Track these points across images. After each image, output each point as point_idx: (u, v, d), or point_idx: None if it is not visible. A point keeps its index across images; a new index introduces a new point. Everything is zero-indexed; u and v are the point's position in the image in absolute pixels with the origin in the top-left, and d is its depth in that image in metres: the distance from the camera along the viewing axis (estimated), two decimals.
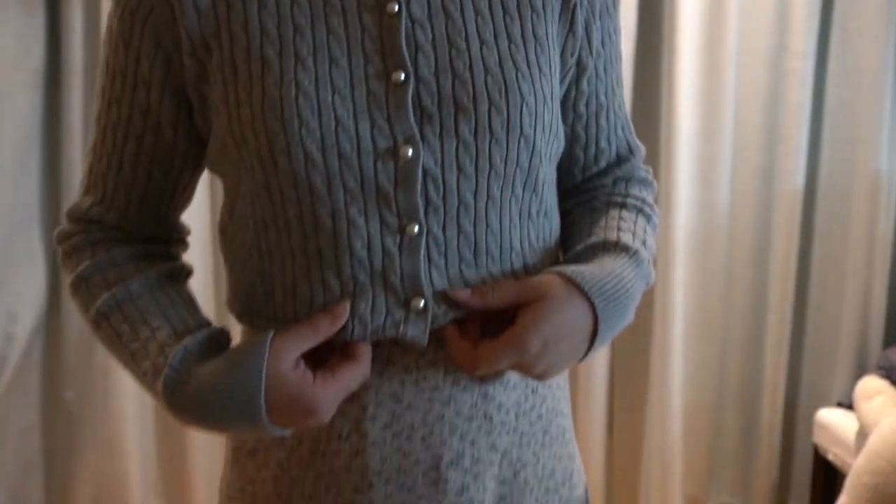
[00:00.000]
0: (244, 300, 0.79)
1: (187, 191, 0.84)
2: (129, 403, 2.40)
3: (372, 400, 0.72)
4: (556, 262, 0.82)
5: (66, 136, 2.31)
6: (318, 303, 0.72)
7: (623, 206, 0.84)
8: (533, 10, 0.75)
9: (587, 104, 0.82)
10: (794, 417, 2.48)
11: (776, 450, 2.44)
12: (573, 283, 0.73)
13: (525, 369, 0.75)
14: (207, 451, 2.46)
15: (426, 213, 0.72)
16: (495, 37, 0.73)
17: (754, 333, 2.43)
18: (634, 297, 0.77)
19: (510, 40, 0.73)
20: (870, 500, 1.74)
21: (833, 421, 2.19)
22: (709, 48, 2.27)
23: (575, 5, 0.77)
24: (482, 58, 0.72)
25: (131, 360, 0.77)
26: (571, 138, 0.83)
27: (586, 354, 0.76)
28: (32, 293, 2.36)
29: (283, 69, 0.69)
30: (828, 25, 2.30)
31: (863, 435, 1.95)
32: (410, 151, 0.70)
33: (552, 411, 0.83)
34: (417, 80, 0.71)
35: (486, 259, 0.74)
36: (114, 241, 0.79)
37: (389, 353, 0.73)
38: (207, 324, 0.77)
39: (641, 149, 0.91)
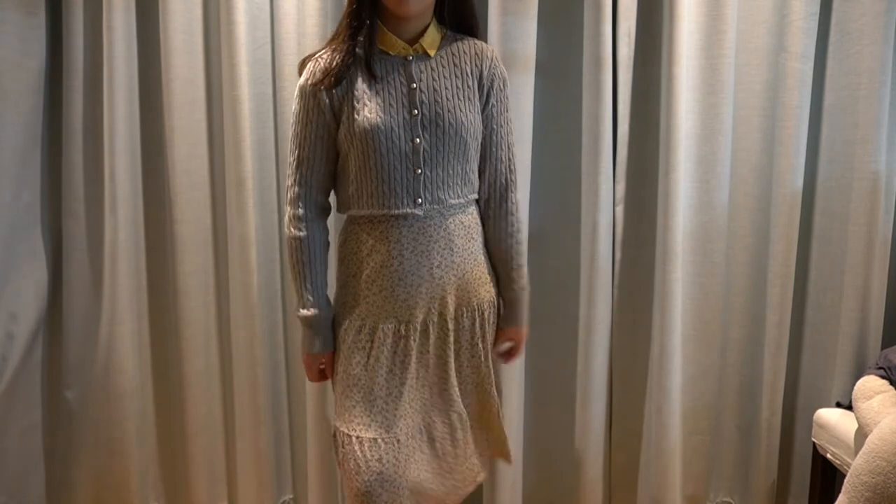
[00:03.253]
0: (345, 203, 1.74)
1: (335, 174, 1.76)
2: (129, 403, 2.41)
3: (402, 241, 1.68)
4: (471, 191, 1.76)
5: (66, 136, 2.32)
6: (380, 200, 1.67)
7: (512, 242, 1.83)
8: (468, 87, 1.72)
9: (490, 129, 1.78)
10: (793, 417, 2.49)
11: (775, 450, 2.44)
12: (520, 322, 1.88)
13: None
14: (207, 451, 2.47)
15: (423, 165, 1.67)
16: (454, 97, 1.70)
17: (753, 333, 2.43)
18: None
19: (459, 98, 1.70)
20: (869, 499, 1.74)
21: (832, 421, 2.20)
22: (708, 49, 2.28)
23: (482, 84, 1.75)
24: (446, 105, 1.68)
25: (295, 282, 1.74)
26: (487, 152, 1.80)
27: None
28: (34, 293, 2.37)
29: (367, 107, 1.66)
30: (826, 27, 2.31)
31: (862, 434, 1.96)
32: (418, 140, 1.66)
33: (476, 252, 1.78)
34: (422, 114, 1.67)
35: (445, 186, 1.69)
36: (311, 220, 1.73)
37: (409, 223, 1.67)
38: (325, 302, 1.75)
39: (516, 183, 1.84)
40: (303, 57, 1.79)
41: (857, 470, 1.79)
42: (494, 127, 1.77)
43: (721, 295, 2.40)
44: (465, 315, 1.77)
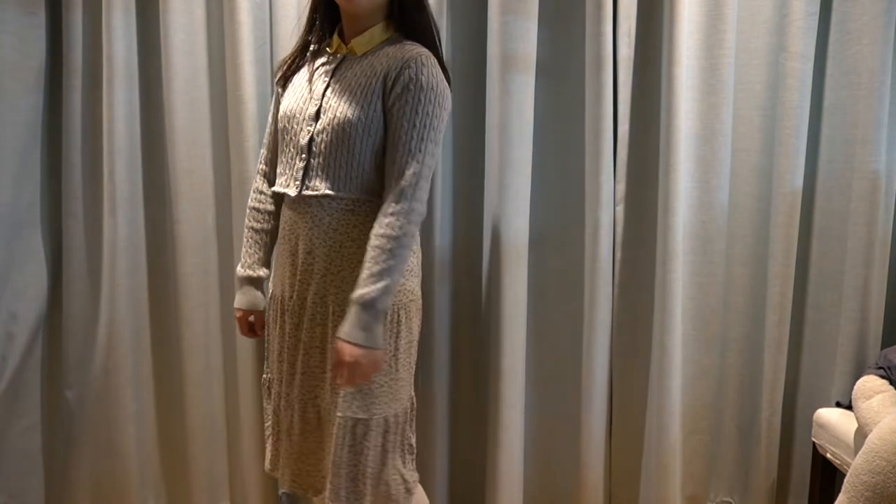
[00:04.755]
0: (270, 177, 1.97)
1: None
2: (128, 404, 2.41)
3: (286, 220, 1.84)
4: (360, 190, 1.76)
5: (66, 136, 2.31)
6: (276, 178, 1.88)
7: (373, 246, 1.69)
8: (370, 86, 1.73)
9: (391, 131, 1.73)
10: (793, 417, 2.49)
11: (775, 449, 2.44)
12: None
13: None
14: (208, 451, 2.47)
15: (309, 153, 1.77)
16: (352, 94, 1.74)
17: (753, 333, 2.43)
18: (373, 318, 1.67)
19: (356, 95, 1.73)
20: (869, 498, 1.75)
21: (832, 420, 2.20)
22: (708, 49, 2.28)
23: (386, 84, 1.72)
24: (341, 101, 1.74)
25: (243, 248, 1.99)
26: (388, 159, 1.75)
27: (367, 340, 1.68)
28: (33, 293, 2.37)
29: (288, 96, 1.85)
30: (826, 27, 2.31)
31: (862, 434, 1.96)
32: (310, 129, 1.77)
33: (357, 252, 1.73)
34: (321, 107, 1.77)
35: (325, 177, 1.75)
36: (264, 193, 1.98)
37: (291, 204, 1.81)
38: (251, 265, 1.97)
39: (405, 191, 1.70)
40: None
41: (856, 469, 1.79)
42: (396, 129, 1.70)
43: (721, 295, 2.40)
44: (328, 310, 1.76)
